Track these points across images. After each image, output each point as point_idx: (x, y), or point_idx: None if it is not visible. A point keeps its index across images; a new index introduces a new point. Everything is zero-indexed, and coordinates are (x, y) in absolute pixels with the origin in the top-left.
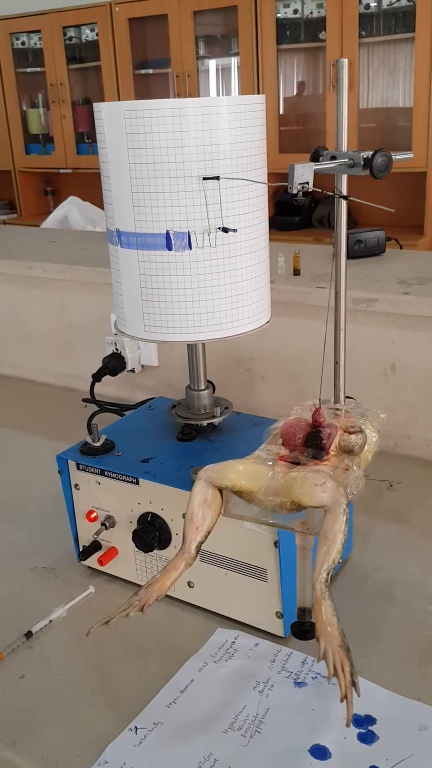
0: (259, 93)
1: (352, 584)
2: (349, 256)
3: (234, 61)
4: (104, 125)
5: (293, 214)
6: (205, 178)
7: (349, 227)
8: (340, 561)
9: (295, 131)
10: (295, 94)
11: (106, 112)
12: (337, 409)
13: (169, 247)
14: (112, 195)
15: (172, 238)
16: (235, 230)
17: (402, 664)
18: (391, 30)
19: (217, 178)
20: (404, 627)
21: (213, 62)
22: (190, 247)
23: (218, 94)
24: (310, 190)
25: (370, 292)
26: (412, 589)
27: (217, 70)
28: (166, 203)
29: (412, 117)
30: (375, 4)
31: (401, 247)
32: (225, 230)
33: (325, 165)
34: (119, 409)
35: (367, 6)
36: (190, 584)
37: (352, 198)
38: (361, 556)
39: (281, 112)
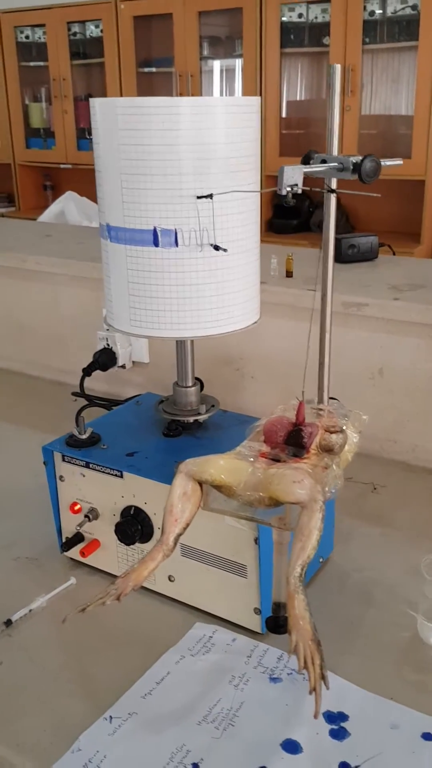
0: (261, 96)
1: (332, 584)
2: (341, 261)
3: (237, 63)
4: (98, 120)
5: (291, 218)
6: (198, 197)
7: (345, 232)
8: (321, 560)
9: (296, 135)
10: (298, 98)
11: (99, 108)
12: (320, 409)
13: (156, 244)
14: (103, 189)
15: (159, 235)
16: (225, 250)
17: (377, 663)
18: (394, 38)
19: (210, 196)
20: (381, 628)
21: (216, 63)
22: (177, 245)
23: (221, 96)
24: (299, 192)
25: (360, 297)
26: (391, 590)
27: (221, 71)
28: (154, 200)
29: (413, 125)
30: (380, 11)
31: (394, 253)
32: (216, 248)
33: (315, 168)
34: (108, 403)
35: (372, 13)
36: (170, 578)
37: (339, 191)
38: (342, 556)
39: (284, 115)
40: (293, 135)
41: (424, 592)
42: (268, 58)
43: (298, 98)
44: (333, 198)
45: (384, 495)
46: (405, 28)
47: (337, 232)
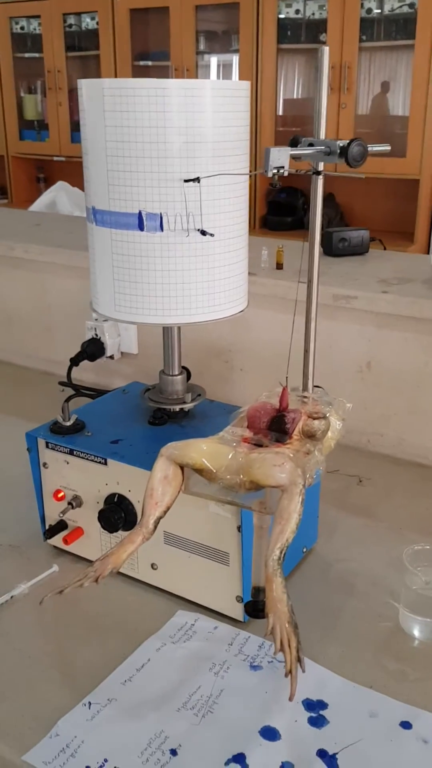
0: (257, 91)
1: (315, 574)
2: (332, 254)
3: (234, 59)
4: (84, 101)
5: (286, 215)
6: (185, 180)
7: (337, 224)
8: (304, 550)
9: (292, 133)
10: (294, 95)
11: (86, 89)
12: (305, 397)
13: (141, 228)
14: (89, 172)
15: (144, 219)
16: (212, 234)
17: (357, 652)
18: (391, 36)
19: (197, 180)
20: (362, 617)
21: (213, 58)
22: (162, 229)
23: None
24: (285, 174)
25: (349, 290)
26: (373, 581)
27: (217, 66)
28: (140, 183)
29: (408, 124)
30: (378, 10)
31: (385, 248)
32: (203, 233)
33: (302, 151)
34: (95, 394)
35: (369, 10)
36: (153, 566)
37: (326, 172)
38: (325, 547)
39: (280, 113)
40: (289, 132)
41: (406, 582)
42: (264, 54)
43: (294, 95)
44: (320, 180)
45: (369, 487)
46: (402, 27)
47: (330, 225)
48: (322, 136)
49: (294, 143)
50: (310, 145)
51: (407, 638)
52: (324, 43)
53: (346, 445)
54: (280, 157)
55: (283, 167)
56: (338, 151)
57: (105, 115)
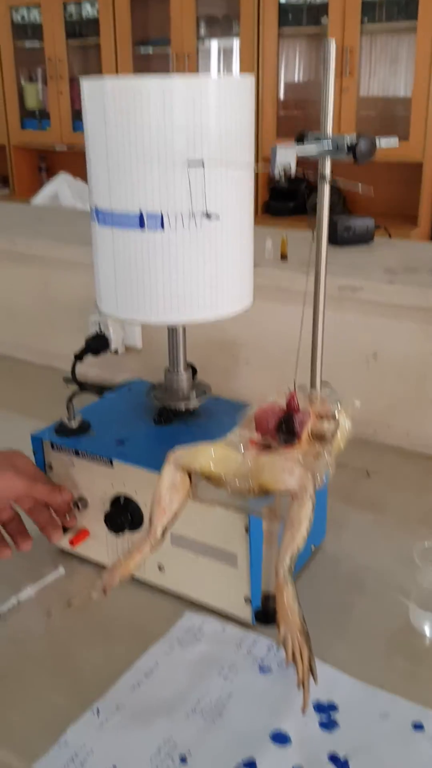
0: (258, 76)
1: (324, 571)
2: (337, 243)
3: (235, 43)
4: (86, 100)
5: (288, 200)
6: (189, 160)
7: (341, 212)
8: (313, 548)
9: (294, 117)
10: (295, 79)
11: (87, 87)
12: (312, 396)
13: (142, 227)
14: (91, 171)
15: (145, 218)
16: (217, 217)
17: (368, 652)
18: (393, 18)
19: (202, 163)
20: (372, 616)
21: (214, 43)
22: (163, 228)
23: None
24: (292, 173)
25: (355, 280)
26: (382, 578)
27: (218, 51)
28: (141, 182)
29: (411, 107)
30: None
31: (390, 236)
32: (208, 216)
33: (308, 149)
34: (100, 389)
35: None
36: (160, 567)
37: (334, 178)
38: (334, 543)
39: (281, 97)
40: (291, 116)
41: (417, 579)
42: (265, 38)
43: (295, 79)
44: (326, 186)
45: (377, 480)
46: (404, 8)
47: (333, 214)
48: (329, 131)
49: (300, 139)
50: (317, 140)
51: (418, 636)
52: (324, 25)
53: (352, 437)
54: (287, 156)
55: (290, 165)
56: (346, 147)
57: (105, 114)
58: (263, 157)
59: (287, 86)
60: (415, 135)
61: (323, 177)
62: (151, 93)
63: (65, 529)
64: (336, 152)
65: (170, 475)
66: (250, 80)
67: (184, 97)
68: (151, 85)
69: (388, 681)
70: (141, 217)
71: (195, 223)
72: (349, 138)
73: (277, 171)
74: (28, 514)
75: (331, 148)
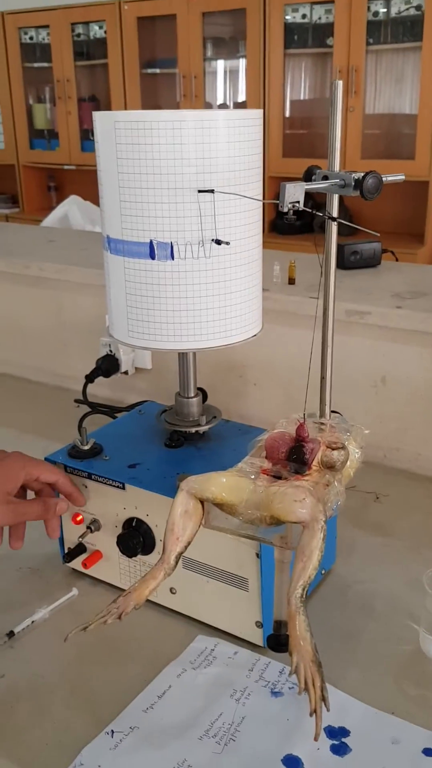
0: (265, 96)
1: (333, 595)
2: (344, 267)
3: (241, 64)
4: (98, 133)
5: (294, 219)
6: (200, 191)
7: (347, 235)
8: (323, 572)
9: (300, 135)
10: (301, 98)
11: (99, 121)
12: (322, 424)
13: (152, 257)
14: (104, 201)
15: (155, 248)
16: (227, 243)
17: (378, 677)
18: (398, 38)
19: (212, 191)
20: (382, 640)
21: (220, 64)
22: (173, 257)
23: (225, 97)
24: (300, 209)
25: (363, 305)
26: (392, 602)
27: (224, 72)
28: (151, 213)
29: (417, 125)
30: (384, 10)
31: (397, 259)
32: (218, 242)
33: (317, 185)
34: (111, 410)
35: (376, 13)
36: (172, 591)
37: (340, 220)
38: (343, 567)
39: (287, 115)
40: (297, 135)
41: (426, 605)
42: (271, 58)
43: (301, 97)
44: (334, 226)
45: (386, 504)
46: (409, 29)
47: (339, 235)
48: (337, 168)
49: (308, 176)
50: (325, 177)
51: (428, 661)
52: (331, 46)
53: (362, 461)
54: (296, 193)
55: (298, 202)
56: (353, 183)
57: (116, 147)
58: (270, 177)
59: (293, 104)
60: (420, 153)
61: (331, 217)
62: (162, 128)
63: (70, 557)
64: (343, 189)
65: (183, 503)
66: (258, 114)
67: (195, 132)
68: (162, 119)
69: (398, 706)
70: (151, 246)
71: (204, 253)
72: (355, 175)
73: (287, 206)
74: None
75: (338, 184)
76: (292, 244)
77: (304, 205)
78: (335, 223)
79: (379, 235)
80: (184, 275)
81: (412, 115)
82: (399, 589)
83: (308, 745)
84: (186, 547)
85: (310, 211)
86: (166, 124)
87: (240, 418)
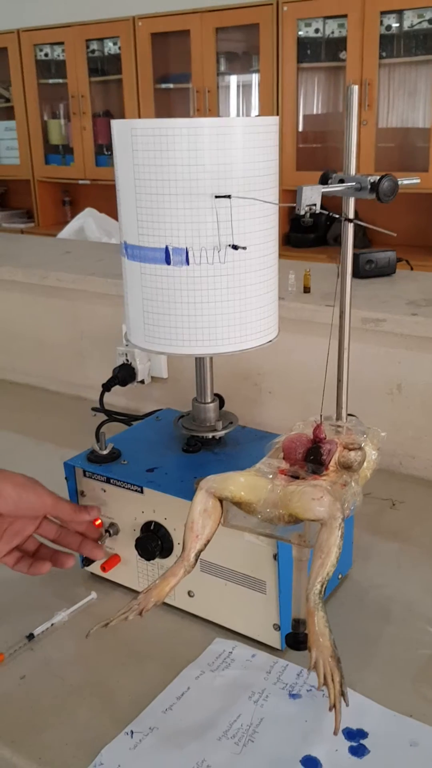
0: (278, 110)
1: (350, 601)
2: (359, 276)
3: (254, 78)
4: (115, 141)
5: (308, 232)
6: (217, 196)
7: (362, 246)
8: (340, 577)
9: (313, 149)
10: (314, 112)
11: (116, 129)
12: (339, 426)
13: (168, 262)
14: (121, 208)
15: (170, 253)
16: (244, 248)
17: (396, 680)
18: (411, 52)
19: (229, 196)
20: (400, 645)
21: (234, 79)
22: (188, 263)
23: (238, 111)
24: (317, 211)
25: (378, 313)
26: (409, 607)
27: (238, 86)
28: (167, 219)
29: (430, 139)
30: (396, 24)
31: (412, 268)
32: (235, 247)
33: (333, 188)
34: (127, 419)
35: (389, 27)
36: (190, 594)
37: (357, 221)
38: (360, 573)
39: (300, 129)
40: (310, 149)
41: None
42: (284, 73)
43: (314, 111)
44: (350, 227)
45: (402, 511)
46: (422, 42)
47: (354, 246)
48: (353, 172)
49: (324, 179)
50: (341, 181)
51: None
52: (343, 60)
53: (377, 468)
54: (312, 195)
55: (315, 204)
56: (369, 186)
57: (134, 155)
58: (283, 190)
59: (306, 118)
60: None
61: (348, 218)
62: (178, 135)
63: (88, 561)
64: (359, 192)
65: (203, 502)
66: (274, 121)
67: (211, 138)
68: (179, 126)
69: (416, 709)
70: (167, 251)
71: (220, 258)
72: (371, 178)
73: (304, 209)
74: (57, 541)
75: (354, 187)
76: (306, 256)
77: (320, 221)
78: (351, 225)
79: (396, 234)
80: (199, 280)
81: (425, 129)
82: (416, 595)
83: (327, 746)
84: (205, 545)
85: (327, 212)
86: (182, 131)
87: (255, 426)
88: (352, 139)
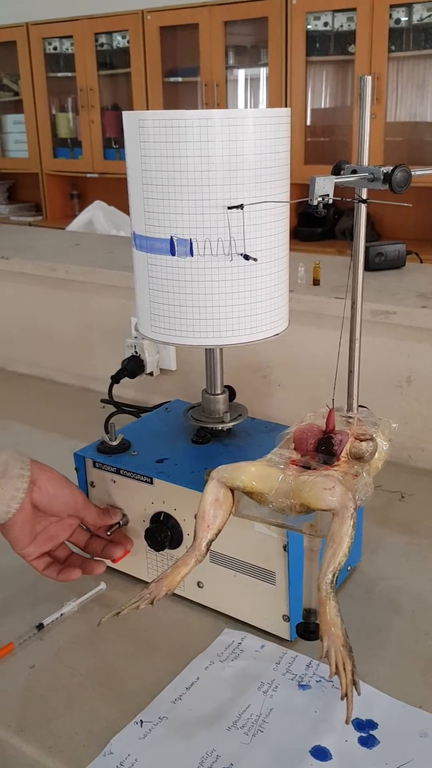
0: (286, 104)
1: (360, 592)
2: (369, 269)
3: (263, 72)
4: (125, 132)
5: (316, 226)
6: (229, 208)
7: (371, 239)
8: (349, 569)
9: (321, 143)
10: (323, 106)
11: (126, 120)
12: (350, 417)
13: (173, 253)
14: (131, 199)
15: (175, 244)
16: (255, 259)
17: (405, 672)
18: (420, 45)
19: (241, 207)
20: (409, 636)
21: (242, 72)
22: (192, 254)
23: (246, 104)
24: (330, 202)
25: (388, 305)
26: (418, 599)
27: (246, 80)
28: (174, 210)
29: None
30: (405, 18)
31: (421, 261)
32: (246, 257)
33: (346, 178)
34: (137, 410)
35: (398, 21)
36: (199, 584)
37: (370, 200)
38: (369, 565)
39: (308, 123)
40: (318, 143)
41: None
42: (293, 66)
43: (322, 105)
44: (363, 208)
45: (411, 503)
46: (431, 36)
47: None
48: (365, 162)
49: (337, 170)
50: (353, 172)
51: None
52: (352, 54)
53: (386, 460)
54: (325, 186)
55: (327, 195)
56: (382, 177)
57: (141, 146)
58: (292, 184)
59: (314, 112)
60: None
61: (361, 200)
62: (189, 126)
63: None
64: (372, 182)
65: (214, 491)
66: (286, 112)
67: (222, 130)
68: (190, 118)
69: (426, 701)
70: (171, 242)
71: (230, 249)
72: (384, 168)
73: (316, 200)
74: (86, 549)
75: (367, 178)
76: (314, 250)
77: (328, 215)
78: (364, 210)
79: (411, 205)
80: (205, 272)
81: None
82: (425, 587)
83: (336, 736)
84: (216, 535)
85: (339, 199)
86: (194, 122)
87: (264, 418)
88: (366, 129)
